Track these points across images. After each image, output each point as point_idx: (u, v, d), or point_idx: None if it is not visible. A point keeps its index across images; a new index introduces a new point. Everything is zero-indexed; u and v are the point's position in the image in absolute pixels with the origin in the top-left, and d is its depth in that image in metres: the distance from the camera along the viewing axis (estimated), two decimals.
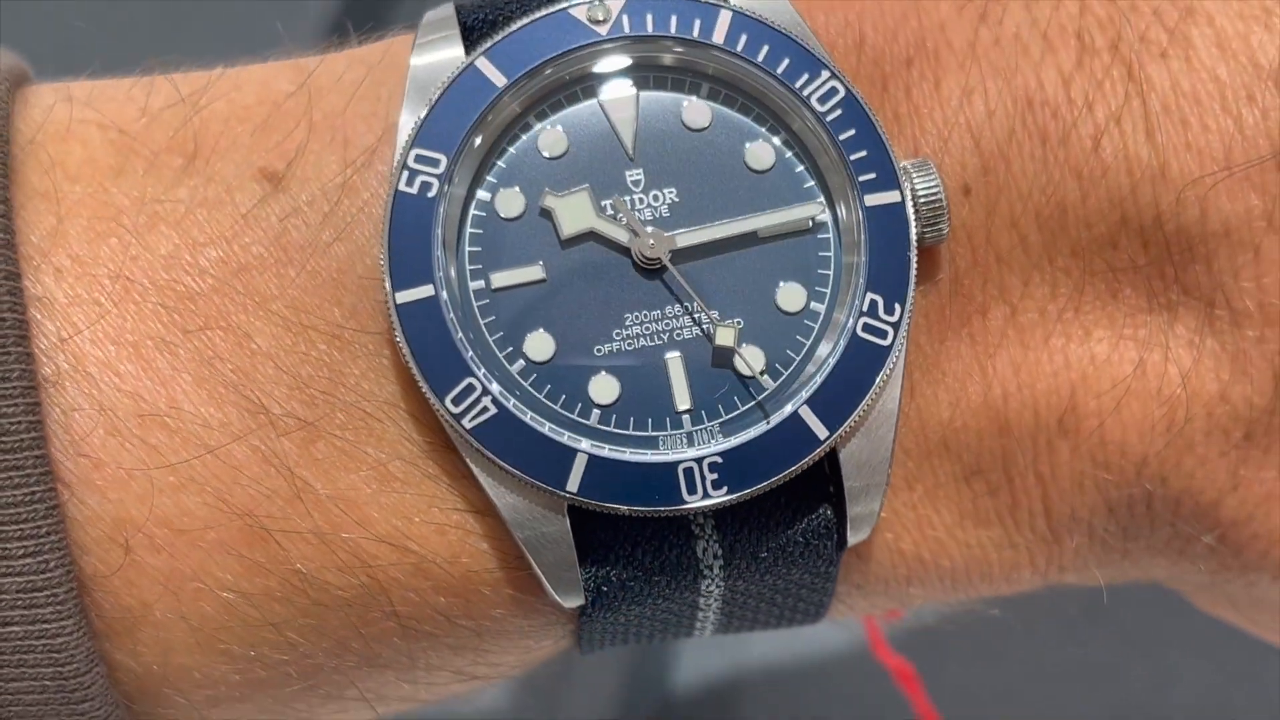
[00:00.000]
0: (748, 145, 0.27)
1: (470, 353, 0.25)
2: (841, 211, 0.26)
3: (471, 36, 0.27)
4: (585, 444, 0.25)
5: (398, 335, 0.25)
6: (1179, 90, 0.27)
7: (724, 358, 0.26)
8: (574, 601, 0.26)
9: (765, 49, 0.26)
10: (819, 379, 0.26)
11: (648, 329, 0.26)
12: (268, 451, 0.25)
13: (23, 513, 0.24)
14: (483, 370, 0.25)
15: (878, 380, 0.26)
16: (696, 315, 0.26)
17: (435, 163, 0.26)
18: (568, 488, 0.25)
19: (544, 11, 0.26)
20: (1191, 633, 0.45)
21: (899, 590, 0.28)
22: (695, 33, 0.26)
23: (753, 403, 0.26)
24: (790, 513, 0.26)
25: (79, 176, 0.26)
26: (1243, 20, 0.27)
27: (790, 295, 0.26)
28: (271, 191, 0.26)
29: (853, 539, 0.26)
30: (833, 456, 0.26)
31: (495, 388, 0.25)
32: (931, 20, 0.27)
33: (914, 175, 0.26)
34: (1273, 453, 0.27)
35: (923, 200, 0.26)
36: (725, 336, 0.26)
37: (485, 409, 0.25)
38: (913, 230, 0.26)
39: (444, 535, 0.26)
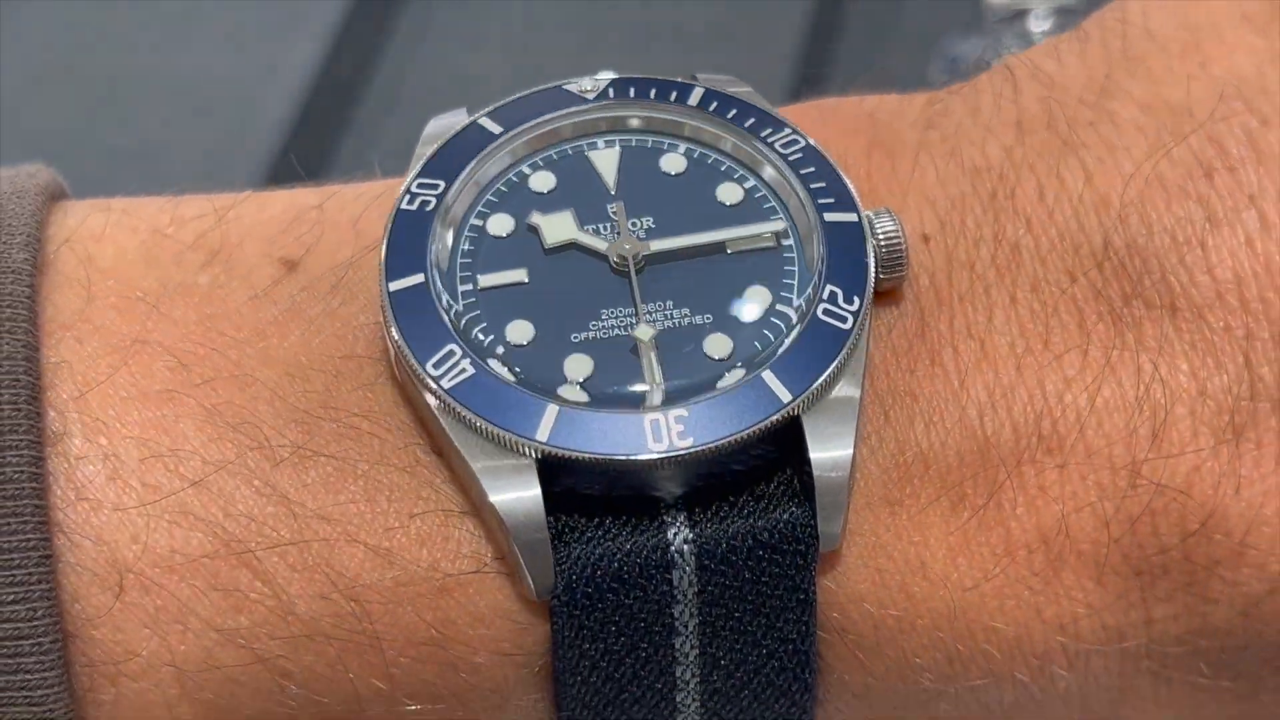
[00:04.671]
0: (720, 185, 0.29)
1: (454, 331, 0.27)
2: (803, 230, 0.28)
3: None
4: (556, 404, 0.26)
5: (388, 318, 0.27)
6: (1108, 144, 0.29)
7: (643, 351, 0.27)
8: (544, 577, 0.26)
9: (734, 111, 0.30)
10: (781, 351, 0.27)
11: (622, 321, 0.28)
12: (262, 482, 0.26)
13: (15, 559, 0.25)
14: (464, 345, 0.27)
15: (839, 355, 0.27)
16: (668, 310, 0.28)
17: (435, 187, 0.28)
18: (537, 436, 0.26)
19: (541, 86, 0.30)
20: None
21: (889, 641, 0.28)
22: (672, 99, 0.30)
23: (719, 379, 0.27)
24: (762, 506, 0.27)
25: (110, 270, 0.28)
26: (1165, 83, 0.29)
27: (757, 295, 0.28)
28: (287, 274, 0.28)
29: (824, 524, 0.27)
30: (798, 431, 0.27)
31: (474, 356, 0.27)
32: (885, 127, 0.30)
33: (874, 220, 0.28)
34: (1266, 446, 0.27)
35: (884, 244, 0.28)
36: (644, 333, 0.27)
37: (464, 370, 0.26)
38: (869, 243, 0.28)
39: (424, 546, 0.26)
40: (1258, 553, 0.27)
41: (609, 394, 0.27)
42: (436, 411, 0.26)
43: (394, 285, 0.27)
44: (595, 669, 0.27)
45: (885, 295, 0.28)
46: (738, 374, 0.27)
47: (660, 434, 0.26)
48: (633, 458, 0.26)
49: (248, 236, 0.29)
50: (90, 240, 0.28)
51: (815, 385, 0.27)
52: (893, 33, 0.60)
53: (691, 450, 0.26)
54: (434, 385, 0.26)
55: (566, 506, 0.27)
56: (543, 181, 0.29)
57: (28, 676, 0.25)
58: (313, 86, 0.60)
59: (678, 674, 0.27)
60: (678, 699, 0.28)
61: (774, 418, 0.26)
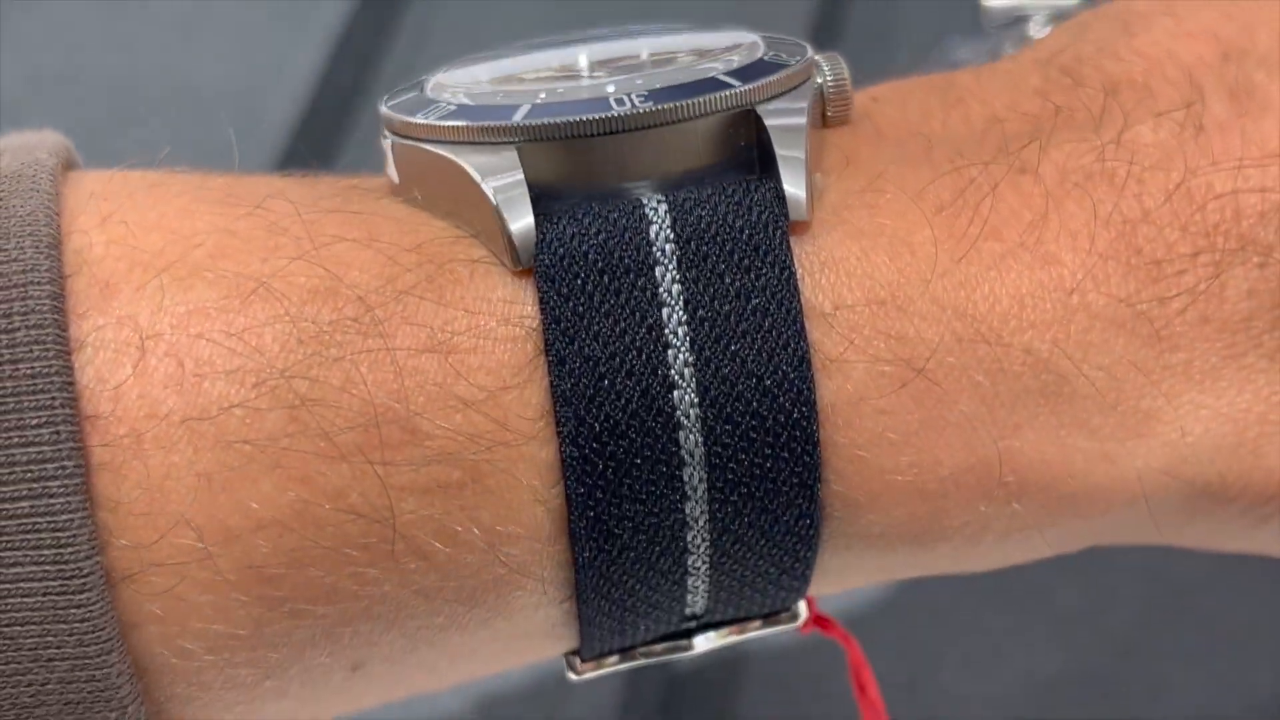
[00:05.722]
0: (680, 57, 0.30)
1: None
2: (750, 44, 0.30)
3: None
4: (529, 103, 0.28)
5: (379, 114, 0.29)
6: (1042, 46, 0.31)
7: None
8: (525, 239, 0.27)
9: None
10: (733, 66, 0.28)
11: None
12: (271, 231, 0.27)
13: (40, 384, 0.25)
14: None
15: (788, 69, 0.28)
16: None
17: (427, 75, 0.30)
18: (514, 119, 0.27)
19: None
20: (1185, 641, 0.45)
21: (886, 313, 0.27)
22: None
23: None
24: (732, 187, 0.28)
25: (132, 191, 0.29)
26: None
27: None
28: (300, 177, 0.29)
29: (789, 182, 0.27)
30: (757, 125, 0.28)
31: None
32: None
33: (823, 63, 0.29)
34: (1230, 130, 0.28)
35: (832, 84, 0.29)
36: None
37: (449, 107, 0.28)
38: (808, 46, 0.30)
39: (423, 259, 0.27)
40: (1252, 204, 0.28)
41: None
42: (430, 148, 0.28)
43: (390, 102, 0.29)
44: (583, 342, 0.27)
45: (838, 125, 0.30)
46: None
47: (624, 101, 0.27)
48: (600, 116, 0.27)
49: (261, 180, 0.30)
50: (109, 175, 0.29)
51: (768, 80, 0.28)
52: (892, 39, 0.60)
53: (654, 109, 0.27)
54: (423, 122, 0.28)
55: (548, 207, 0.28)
56: (528, 74, 0.31)
57: (52, 501, 0.25)
58: (316, 90, 0.60)
59: (670, 357, 0.27)
60: (670, 360, 0.27)
61: (730, 92, 0.28)
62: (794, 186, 0.27)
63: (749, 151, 0.28)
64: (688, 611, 0.29)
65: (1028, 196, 0.28)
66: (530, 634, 0.29)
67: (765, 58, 0.29)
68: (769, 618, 0.30)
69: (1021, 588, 0.46)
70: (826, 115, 0.29)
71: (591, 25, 0.34)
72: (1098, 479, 0.28)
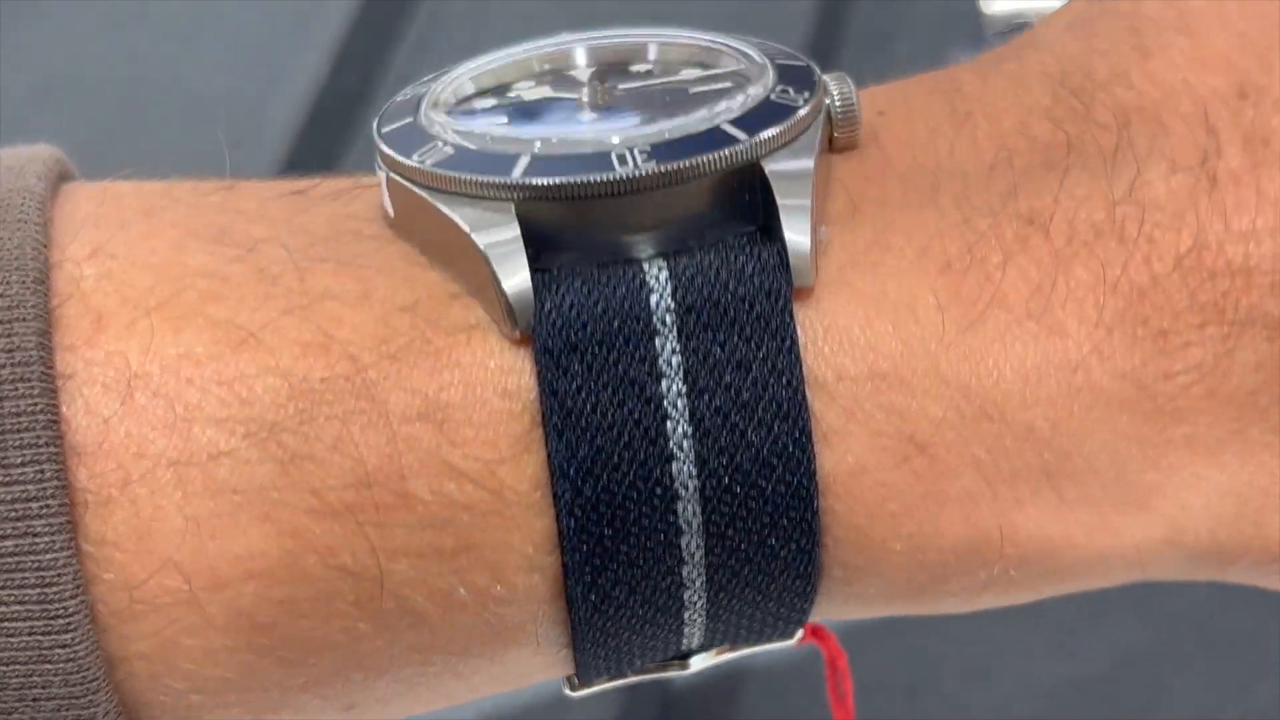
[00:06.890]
0: (683, 70, 0.30)
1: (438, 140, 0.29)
2: (757, 73, 0.29)
3: None
4: (528, 156, 0.27)
5: (377, 144, 0.28)
6: (1046, 48, 0.31)
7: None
8: (524, 305, 0.27)
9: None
10: (738, 117, 0.28)
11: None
12: (267, 284, 0.27)
13: (24, 421, 0.25)
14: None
15: (795, 116, 0.28)
16: (632, 118, 0.29)
17: (426, 83, 0.30)
18: (513, 175, 0.27)
19: None
20: (1183, 647, 0.45)
21: (887, 386, 0.27)
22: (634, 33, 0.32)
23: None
24: (731, 245, 0.28)
25: (127, 191, 0.28)
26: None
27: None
28: (294, 194, 0.29)
29: (791, 235, 0.27)
30: (760, 180, 0.28)
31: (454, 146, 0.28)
32: None
33: (830, 85, 0.29)
34: (1245, 184, 0.28)
35: (839, 106, 0.29)
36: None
37: (446, 151, 0.28)
38: (816, 70, 0.29)
39: (417, 322, 0.27)
40: (1263, 272, 0.27)
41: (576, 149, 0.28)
42: (426, 197, 0.27)
43: (385, 129, 0.29)
44: (582, 415, 0.27)
45: (845, 150, 0.29)
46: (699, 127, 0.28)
47: (626, 161, 0.27)
48: (600, 178, 0.27)
49: (255, 186, 0.30)
50: (104, 186, 0.29)
51: (773, 132, 0.28)
52: (893, 48, 0.60)
53: (657, 170, 0.27)
54: (418, 166, 0.27)
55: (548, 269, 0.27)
56: (524, 85, 0.31)
57: (36, 540, 0.25)
58: (318, 96, 0.60)
59: (669, 429, 0.27)
60: (669, 432, 0.27)
61: (736, 149, 0.27)
62: (798, 247, 0.27)
63: (753, 202, 0.28)
64: (684, 647, 0.29)
65: (1036, 257, 0.28)
66: (526, 675, 0.29)
67: (773, 97, 0.29)
68: None
69: None
70: (833, 138, 0.29)
71: (594, 29, 0.34)
72: (1098, 548, 0.28)
